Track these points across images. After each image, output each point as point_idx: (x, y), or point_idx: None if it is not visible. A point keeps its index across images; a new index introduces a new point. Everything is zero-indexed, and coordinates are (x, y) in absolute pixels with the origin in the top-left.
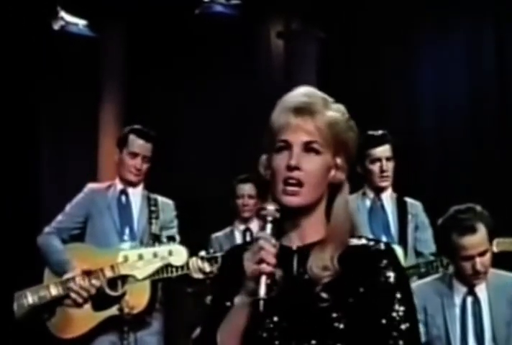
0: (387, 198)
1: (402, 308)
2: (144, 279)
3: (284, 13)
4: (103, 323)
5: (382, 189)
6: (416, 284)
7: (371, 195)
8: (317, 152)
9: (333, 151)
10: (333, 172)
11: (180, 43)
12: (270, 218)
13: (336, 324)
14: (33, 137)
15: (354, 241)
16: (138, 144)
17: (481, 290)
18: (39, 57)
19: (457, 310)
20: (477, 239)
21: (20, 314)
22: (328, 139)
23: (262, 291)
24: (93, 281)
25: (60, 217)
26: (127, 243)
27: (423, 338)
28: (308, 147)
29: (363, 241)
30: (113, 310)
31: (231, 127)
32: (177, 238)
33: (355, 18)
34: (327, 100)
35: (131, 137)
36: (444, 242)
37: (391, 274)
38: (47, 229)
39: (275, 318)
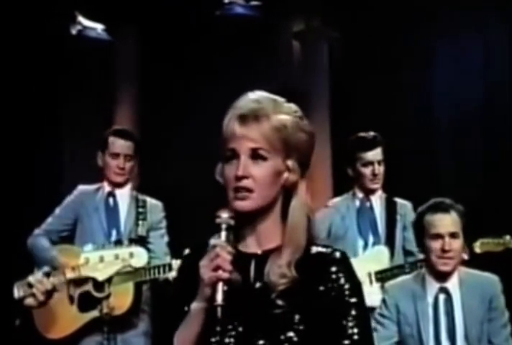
0: (377, 198)
1: (355, 316)
2: (105, 280)
3: (302, 14)
4: (89, 324)
5: (373, 190)
6: (388, 283)
7: (360, 195)
8: (264, 158)
9: (283, 154)
10: (285, 175)
11: (198, 45)
12: (224, 226)
13: (289, 331)
14: (54, 139)
15: (312, 248)
16: (118, 144)
17: (454, 288)
18: (57, 62)
19: (430, 308)
20: (448, 218)
21: None
22: (275, 144)
23: (219, 297)
24: (51, 278)
25: (49, 219)
26: (89, 245)
27: (395, 338)
28: (254, 154)
29: (319, 249)
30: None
31: None
32: (166, 238)
33: (369, 18)
34: (277, 102)
35: (111, 139)
36: (418, 225)
37: (345, 282)
38: (36, 231)
39: (231, 325)
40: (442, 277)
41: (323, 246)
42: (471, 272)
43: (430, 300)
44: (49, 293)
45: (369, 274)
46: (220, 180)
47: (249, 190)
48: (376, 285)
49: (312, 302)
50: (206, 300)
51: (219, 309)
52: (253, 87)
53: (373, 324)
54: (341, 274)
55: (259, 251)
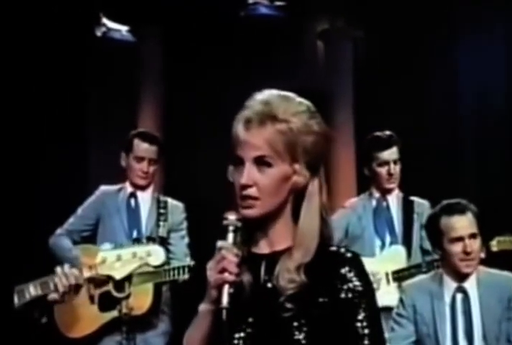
0: (393, 197)
1: (366, 317)
2: (122, 278)
3: (326, 13)
4: (109, 324)
5: (389, 190)
6: (406, 283)
7: (377, 195)
8: (269, 165)
9: (289, 158)
10: (293, 179)
11: (222, 45)
12: (231, 228)
13: (297, 334)
14: (80, 139)
15: (325, 249)
16: (143, 147)
17: (471, 287)
18: (82, 63)
19: (447, 308)
20: (466, 220)
21: None
22: (280, 149)
23: (225, 300)
24: (73, 269)
25: (71, 219)
26: (107, 244)
27: (413, 337)
28: (259, 161)
29: (332, 250)
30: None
31: None
32: (187, 240)
33: (393, 17)
34: (287, 101)
35: (136, 141)
36: (433, 229)
37: (356, 283)
38: (58, 231)
39: (240, 326)
40: (462, 277)
41: (337, 246)
42: (489, 271)
43: (447, 299)
44: (71, 288)
45: (387, 274)
46: (232, 181)
47: (255, 198)
48: (393, 285)
49: (322, 304)
50: (213, 302)
51: (224, 312)
52: (277, 87)
53: (391, 324)
54: (352, 275)
55: (269, 253)
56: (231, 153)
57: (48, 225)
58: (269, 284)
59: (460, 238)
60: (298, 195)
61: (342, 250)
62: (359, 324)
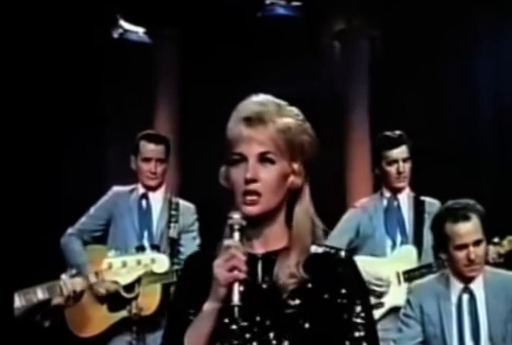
0: (404, 197)
1: (361, 316)
2: (127, 285)
3: (342, 13)
4: (118, 324)
5: (400, 189)
6: (413, 283)
7: (388, 194)
8: (272, 162)
9: (289, 157)
10: (291, 178)
11: (239, 46)
12: (237, 226)
13: (301, 329)
14: (97, 141)
15: (316, 249)
16: (149, 148)
17: (478, 288)
18: (100, 65)
19: (453, 308)
20: (470, 227)
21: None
22: (282, 146)
23: (236, 298)
24: (77, 279)
25: (83, 219)
26: (113, 251)
27: (420, 338)
28: (262, 158)
29: (324, 249)
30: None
31: None
32: (198, 241)
33: (410, 16)
34: (280, 105)
35: (142, 143)
36: (438, 232)
37: (350, 283)
38: (70, 230)
39: (244, 325)
40: (468, 279)
41: (326, 246)
42: (496, 271)
43: (454, 300)
44: (76, 294)
45: (398, 274)
46: (224, 183)
47: (258, 194)
48: (404, 285)
49: (322, 301)
50: (221, 300)
51: (236, 309)
52: (294, 87)
53: (398, 324)
54: (347, 275)
55: (265, 253)
56: (226, 153)
57: (64, 225)
58: (266, 284)
59: (464, 246)
60: (291, 197)
61: (334, 250)
62: (355, 321)
